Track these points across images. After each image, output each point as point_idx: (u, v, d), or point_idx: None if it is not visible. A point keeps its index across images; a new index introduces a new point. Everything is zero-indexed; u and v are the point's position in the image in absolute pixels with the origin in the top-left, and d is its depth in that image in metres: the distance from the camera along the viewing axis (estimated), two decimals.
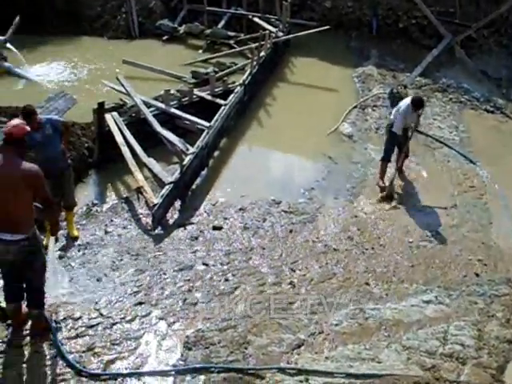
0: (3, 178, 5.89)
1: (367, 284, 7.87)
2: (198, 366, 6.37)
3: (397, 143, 10.23)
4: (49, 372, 6.25)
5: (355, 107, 13.46)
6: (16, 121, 6.20)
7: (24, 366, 6.30)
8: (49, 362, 6.35)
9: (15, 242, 6.03)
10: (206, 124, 11.17)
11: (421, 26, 17.18)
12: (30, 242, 6.11)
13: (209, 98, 12.52)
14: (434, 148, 11.77)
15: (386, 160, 10.38)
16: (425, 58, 15.57)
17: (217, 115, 11.62)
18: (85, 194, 9.79)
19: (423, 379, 5.60)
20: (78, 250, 8.15)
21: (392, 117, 10.29)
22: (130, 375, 6.27)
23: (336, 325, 7.10)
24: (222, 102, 12.25)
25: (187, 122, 11.55)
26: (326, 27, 16.90)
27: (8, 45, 15.01)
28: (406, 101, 10.03)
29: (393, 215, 9.51)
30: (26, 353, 6.45)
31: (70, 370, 6.27)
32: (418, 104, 9.84)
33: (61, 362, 6.35)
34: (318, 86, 14.59)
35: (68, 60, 15.72)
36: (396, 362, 6.57)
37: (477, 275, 8.19)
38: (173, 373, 6.33)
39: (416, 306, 7.53)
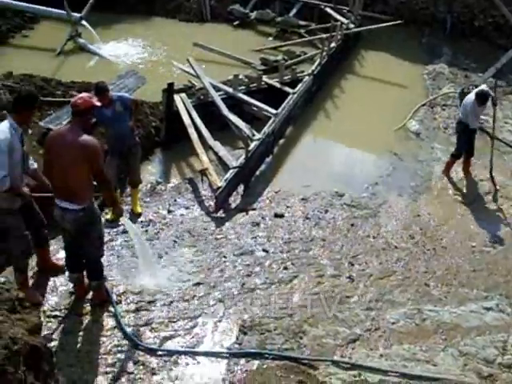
0: (64, 148, 6.02)
1: (427, 285, 7.75)
2: (252, 350, 6.40)
3: (468, 140, 10.02)
4: (107, 342, 6.39)
5: (424, 105, 13.20)
6: (84, 94, 6.30)
7: (83, 333, 6.47)
8: (107, 333, 6.50)
9: (71, 210, 6.16)
10: (273, 111, 11.14)
11: (497, 25, 16.67)
12: (85, 214, 6.20)
13: (277, 85, 12.47)
14: (503, 152, 11.44)
15: (456, 156, 10.23)
16: (499, 59, 15.11)
17: (284, 103, 11.57)
18: (150, 172, 9.91)
19: None
20: (141, 227, 8.26)
21: (461, 115, 10.10)
22: (185, 353, 6.35)
23: (393, 323, 7.03)
24: (290, 90, 12.18)
25: (254, 108, 11.53)
26: (398, 22, 16.61)
27: (83, 22, 15.26)
28: (471, 96, 9.83)
29: (457, 217, 9.31)
30: (86, 321, 6.63)
31: (126, 342, 6.41)
32: (483, 98, 9.63)
33: (119, 334, 6.49)
34: (386, 81, 14.37)
35: (140, 40, 15.91)
36: (452, 367, 6.46)
37: None
38: (227, 355, 6.38)
39: (476, 312, 7.37)
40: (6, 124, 6.09)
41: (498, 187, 10.08)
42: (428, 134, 12.05)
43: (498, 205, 9.75)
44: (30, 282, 6.95)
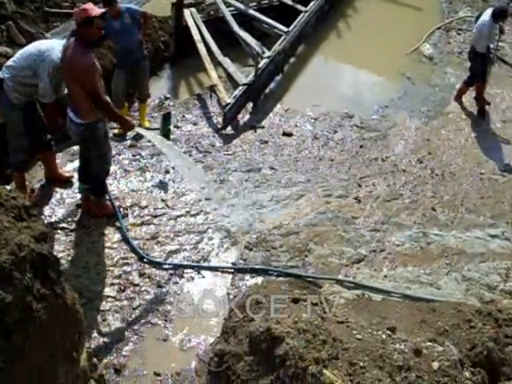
0: (64, 63, 5.97)
1: (433, 209, 7.72)
2: (257, 267, 6.45)
3: (480, 67, 9.75)
4: (113, 255, 6.43)
5: (439, 28, 12.81)
6: (86, 5, 6.02)
7: (90, 246, 6.50)
8: (114, 246, 6.53)
9: (74, 122, 6.15)
10: (284, 29, 10.88)
11: None
12: (85, 130, 6.16)
13: (289, 2, 12.11)
14: None
15: (469, 83, 10.00)
16: None
17: (296, 21, 11.29)
18: (158, 87, 9.75)
19: (486, 309, 5.53)
20: (149, 141, 8.16)
21: (473, 40, 9.82)
22: (190, 267, 6.40)
23: (398, 245, 7.04)
24: (302, 8, 11.85)
25: (265, 26, 11.25)
26: None
27: None
28: (485, 17, 9.46)
29: (467, 144, 9.19)
30: (93, 234, 6.64)
31: (133, 255, 6.45)
32: (501, 14, 9.34)
33: (125, 247, 6.52)
34: (402, 3, 13.90)
35: None
36: (455, 291, 6.49)
37: None
38: (232, 271, 6.44)
39: (481, 238, 7.36)
40: (59, 44, 6.21)
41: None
42: (441, 59, 11.76)
43: (509, 134, 9.59)
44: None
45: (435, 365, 4.09)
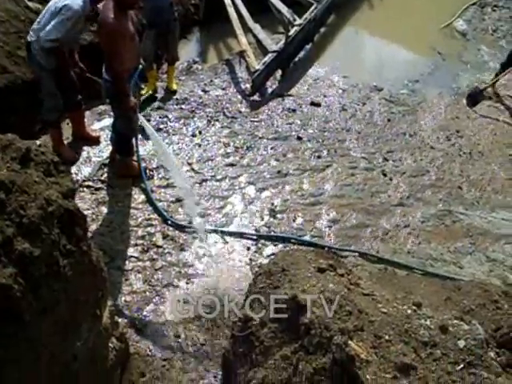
0: (98, 20, 5.98)
1: (460, 188, 7.62)
2: (281, 234, 6.44)
3: None
4: (138, 215, 6.44)
5: (474, 4, 12.52)
6: None
7: (115, 205, 6.52)
8: (139, 206, 6.54)
9: (104, 79, 6.14)
10: None
11: None
12: (112, 86, 6.09)
13: None
14: None
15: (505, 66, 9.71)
16: None
17: None
18: (187, 50, 9.67)
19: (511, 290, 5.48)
20: (176, 104, 8.15)
21: None
22: (213, 232, 6.39)
23: (422, 222, 6.98)
24: None
25: None
26: None
27: None
28: None
29: (497, 124, 9.02)
30: (118, 194, 6.65)
31: (157, 216, 6.44)
32: None
33: (150, 209, 6.52)
34: None
35: None
36: (477, 272, 6.45)
37: None
38: (255, 237, 6.42)
39: (507, 220, 7.25)
40: None
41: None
42: (475, 35, 11.52)
43: None
44: None
45: (461, 343, 4.06)
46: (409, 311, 4.43)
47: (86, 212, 6.18)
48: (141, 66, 6.50)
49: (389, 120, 8.68)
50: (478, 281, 5.84)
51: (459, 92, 9.65)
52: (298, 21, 9.92)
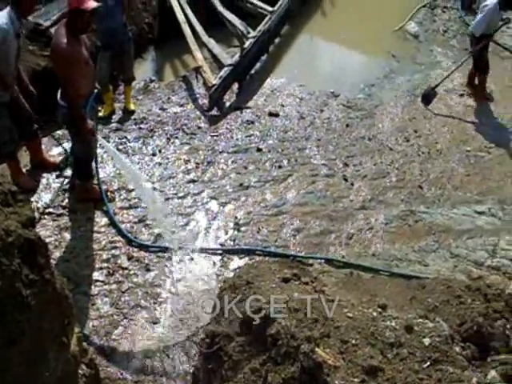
0: (51, 44, 5.94)
1: (420, 187, 7.74)
2: (246, 247, 6.46)
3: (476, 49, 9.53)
4: (101, 239, 6.40)
5: (424, 6, 12.76)
6: None
7: (77, 230, 6.47)
8: (102, 230, 6.50)
9: (59, 105, 6.05)
10: (269, 8, 10.80)
11: None
12: (69, 112, 6.03)
13: None
14: (502, 58, 11.19)
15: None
16: None
17: (280, 1, 11.18)
18: (143, 69, 9.68)
19: (474, 284, 5.56)
20: (135, 124, 8.14)
21: (471, 27, 9.70)
22: (178, 249, 6.38)
23: (386, 223, 7.06)
24: None
25: (249, 5, 11.15)
26: None
27: None
28: (489, 2, 9.28)
29: (453, 122, 9.20)
30: (80, 218, 6.60)
31: (121, 238, 6.42)
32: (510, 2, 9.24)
33: (113, 231, 6.49)
34: None
35: None
36: (442, 268, 6.54)
37: None
38: (220, 252, 6.43)
39: (468, 215, 7.40)
40: (4, 13, 5.90)
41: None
42: (427, 37, 11.74)
43: (496, 112, 9.60)
44: None
45: (426, 341, 4.11)
46: (374, 314, 4.47)
47: (48, 239, 6.15)
48: (96, 90, 6.47)
49: (347, 125, 8.78)
50: (442, 277, 5.93)
51: (414, 93, 9.81)
52: (253, 33, 10.00)
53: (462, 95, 9.89)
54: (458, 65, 9.84)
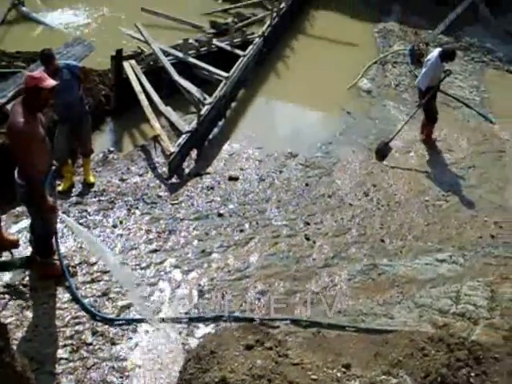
0: (8, 123, 5.93)
1: (382, 240, 7.87)
2: (211, 314, 6.44)
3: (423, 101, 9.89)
4: (64, 315, 6.33)
5: (375, 63, 13.17)
6: (36, 73, 6.01)
7: (39, 308, 6.38)
8: (64, 306, 6.43)
9: (17, 183, 6.06)
10: (224, 74, 11.02)
11: None
12: (26, 191, 6.04)
13: (227, 48, 12.32)
14: (453, 107, 11.58)
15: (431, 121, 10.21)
16: (448, 16, 15.18)
17: (235, 66, 11.45)
18: (101, 141, 9.70)
19: (437, 335, 5.62)
20: (95, 196, 8.15)
21: (416, 82, 10.08)
22: (143, 321, 6.34)
23: (349, 279, 7.14)
24: (240, 52, 12.05)
25: (205, 72, 11.38)
26: None
27: None
28: (434, 53, 9.76)
29: (409, 173, 9.43)
30: (42, 296, 6.52)
31: (85, 313, 6.35)
32: (450, 55, 9.64)
33: (76, 306, 6.43)
34: (338, 40, 14.25)
35: (86, 6, 15.42)
36: (408, 319, 6.61)
37: (492, 237, 8.16)
38: (186, 320, 6.40)
39: (430, 264, 7.55)
40: None
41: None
42: (380, 92, 12.08)
43: (449, 160, 9.87)
44: None
45: None
46: (338, 374, 4.50)
47: (9, 319, 6.08)
48: (54, 166, 6.49)
49: (307, 184, 8.91)
50: (406, 330, 5.98)
51: (371, 147, 10.02)
52: (209, 99, 10.17)
53: (414, 147, 10.13)
54: (407, 119, 10.15)
